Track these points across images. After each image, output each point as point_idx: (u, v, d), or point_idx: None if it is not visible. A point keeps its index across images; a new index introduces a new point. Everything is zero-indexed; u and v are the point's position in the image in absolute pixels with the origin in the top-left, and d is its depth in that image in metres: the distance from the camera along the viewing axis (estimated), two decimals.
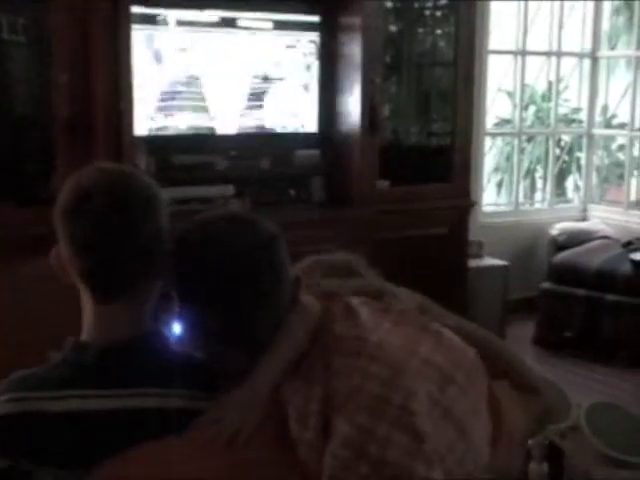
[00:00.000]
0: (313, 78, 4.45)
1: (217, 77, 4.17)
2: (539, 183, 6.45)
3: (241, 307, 1.36)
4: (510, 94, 6.11)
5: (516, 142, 6.13)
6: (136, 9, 3.81)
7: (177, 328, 1.44)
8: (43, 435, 1.31)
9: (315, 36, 4.41)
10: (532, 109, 6.38)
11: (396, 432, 1.26)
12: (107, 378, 1.35)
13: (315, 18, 4.40)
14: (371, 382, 1.30)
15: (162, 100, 4.03)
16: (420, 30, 4.98)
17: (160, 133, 4.05)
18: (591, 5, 6.13)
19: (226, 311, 1.35)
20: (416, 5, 4.90)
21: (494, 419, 1.42)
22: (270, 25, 4.29)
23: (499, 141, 6.38)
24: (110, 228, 1.35)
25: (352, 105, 4.39)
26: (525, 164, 6.34)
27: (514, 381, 1.50)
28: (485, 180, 5.99)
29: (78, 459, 1.28)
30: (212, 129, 4.22)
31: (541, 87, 6.35)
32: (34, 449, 1.30)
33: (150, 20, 3.93)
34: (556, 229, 5.79)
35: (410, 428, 1.27)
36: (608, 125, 6.36)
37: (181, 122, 4.11)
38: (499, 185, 6.40)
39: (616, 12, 6.29)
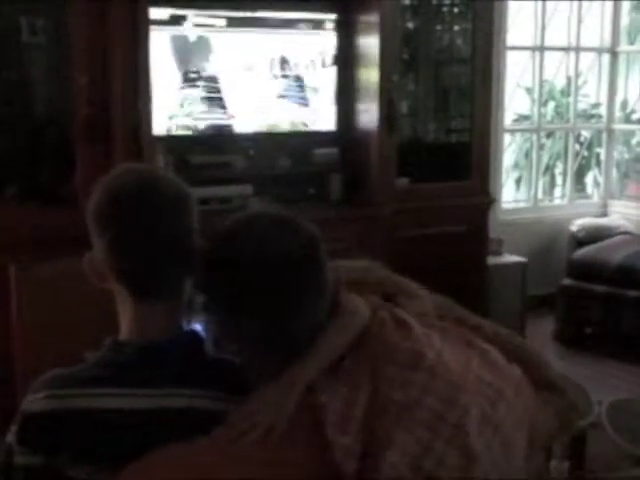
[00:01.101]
0: (331, 76, 4.45)
1: (235, 76, 4.18)
2: (558, 179, 6.42)
3: (279, 311, 1.33)
4: (529, 90, 6.09)
5: (535, 138, 6.11)
6: (154, 10, 3.82)
7: (207, 330, 1.44)
8: (77, 432, 1.32)
9: (332, 34, 4.41)
10: (551, 105, 6.36)
11: (451, 450, 1.27)
12: (143, 377, 1.36)
13: (332, 16, 4.40)
14: (430, 397, 1.30)
15: (180, 100, 4.04)
16: (438, 27, 4.97)
17: (178, 133, 4.07)
18: (610, 0, 6.10)
19: (263, 315, 1.33)
20: (433, 2, 4.88)
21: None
22: (287, 23, 4.29)
23: (518, 137, 6.35)
24: (145, 227, 1.36)
25: (370, 103, 4.39)
26: (544, 160, 6.31)
27: (536, 380, 1.50)
28: (504, 177, 5.97)
29: (110, 457, 1.29)
30: (230, 128, 4.23)
31: (560, 83, 6.32)
32: (68, 446, 1.31)
33: (168, 20, 3.94)
34: (576, 225, 5.76)
35: (464, 448, 1.27)
36: (628, 120, 6.32)
37: (199, 122, 4.12)
38: (518, 182, 6.38)
39: (635, 7, 6.25)
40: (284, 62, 4.31)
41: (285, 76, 4.32)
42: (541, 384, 1.51)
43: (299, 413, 1.30)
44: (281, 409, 1.30)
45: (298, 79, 4.36)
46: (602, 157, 6.35)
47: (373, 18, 4.33)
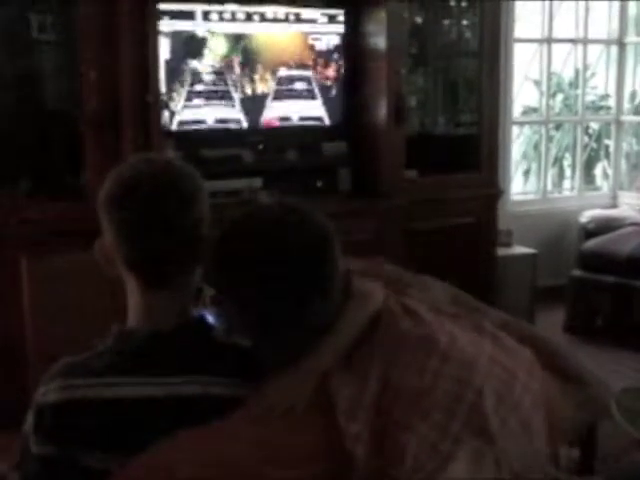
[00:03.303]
0: (339, 70, 4.46)
1: (243, 70, 4.19)
2: (567, 171, 6.41)
3: (291, 301, 1.33)
4: (537, 82, 6.08)
5: (544, 130, 6.10)
6: (163, 4, 3.84)
7: (218, 317, 1.44)
8: (91, 422, 1.33)
9: (340, 28, 4.42)
10: (559, 97, 6.35)
11: (468, 432, 1.28)
12: (152, 365, 1.36)
13: (340, 10, 4.41)
14: (444, 381, 1.31)
15: (189, 94, 4.05)
16: (445, 21, 4.97)
17: (187, 127, 4.08)
18: None
19: (275, 305, 1.33)
20: None
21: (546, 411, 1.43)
22: (295, 17, 4.30)
23: (526, 130, 6.34)
24: (156, 215, 1.37)
25: (378, 96, 4.39)
26: (553, 152, 6.31)
27: (557, 371, 1.51)
28: (513, 169, 5.97)
29: (125, 445, 1.30)
30: (239, 122, 4.24)
31: (568, 75, 6.31)
32: (81, 436, 1.32)
33: (177, 14, 3.96)
34: (585, 217, 5.75)
35: (481, 429, 1.29)
36: (637, 112, 6.30)
37: (208, 115, 4.13)
38: (526, 174, 6.37)
39: None
40: (293, 56, 4.32)
41: (293, 70, 4.33)
42: (557, 372, 1.51)
43: (315, 397, 1.32)
44: (299, 392, 1.31)
45: (307, 73, 4.37)
46: (611, 149, 6.34)
47: (381, 12, 4.33)
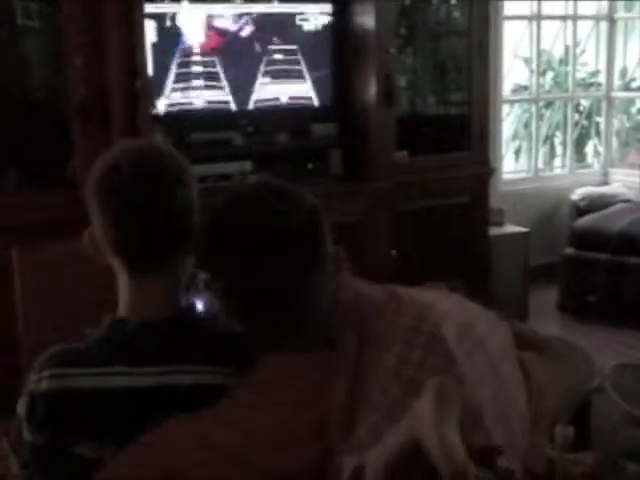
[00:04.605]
0: (327, 50, 4.43)
1: (231, 53, 4.17)
2: (558, 149, 6.41)
3: (282, 282, 1.32)
4: (527, 60, 6.07)
5: (534, 108, 6.09)
6: None
7: (210, 304, 1.43)
8: (83, 411, 1.33)
9: (328, 7, 4.39)
10: (550, 74, 6.33)
11: (429, 356, 1.27)
12: (144, 355, 1.36)
13: None
14: (402, 318, 1.31)
15: (177, 78, 4.03)
16: (434, 0, 4.95)
17: (176, 111, 4.06)
18: None
19: (265, 286, 1.32)
20: None
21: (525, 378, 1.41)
22: None
23: (516, 108, 6.33)
24: (140, 198, 1.37)
25: (367, 76, 4.37)
26: (544, 130, 6.30)
27: (525, 341, 1.50)
28: (504, 148, 5.96)
29: (114, 435, 1.30)
30: (228, 105, 4.22)
31: (558, 52, 6.30)
32: (74, 425, 1.32)
33: None
34: (577, 194, 5.76)
35: (441, 351, 1.27)
36: (627, 88, 6.30)
37: (197, 99, 4.11)
38: (517, 152, 6.37)
39: None
40: (281, 37, 4.29)
41: (282, 51, 4.30)
42: (532, 346, 1.50)
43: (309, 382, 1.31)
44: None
45: (295, 54, 4.34)
46: (602, 126, 6.34)
47: None
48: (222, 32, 4.14)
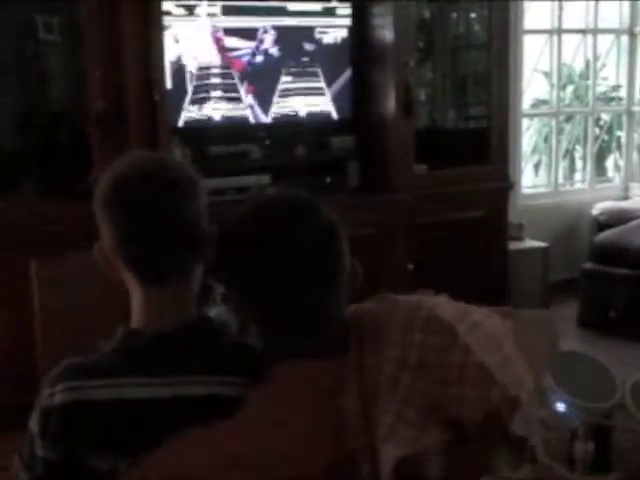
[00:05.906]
0: (347, 64, 4.43)
1: (250, 65, 4.18)
2: (579, 163, 6.37)
3: (297, 295, 1.32)
4: (547, 74, 6.04)
5: (554, 122, 6.06)
6: (167, 2, 3.83)
7: (225, 315, 1.43)
8: (97, 423, 1.32)
9: (348, 21, 4.40)
10: (570, 88, 6.31)
11: (429, 335, 1.28)
12: (159, 366, 1.35)
13: (347, 4, 4.39)
14: (397, 313, 1.33)
15: (196, 91, 4.04)
16: (454, 14, 4.95)
17: (195, 124, 4.07)
18: None
19: (281, 299, 1.32)
20: None
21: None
22: (302, 11, 4.28)
23: (536, 122, 6.31)
24: (151, 213, 1.35)
25: (387, 89, 4.37)
26: (564, 144, 6.27)
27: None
28: (523, 162, 5.94)
29: (129, 446, 1.29)
30: (246, 118, 4.22)
31: (578, 66, 6.27)
32: (88, 437, 1.32)
33: (181, 11, 3.94)
34: (597, 209, 5.72)
35: (441, 328, 1.29)
36: None
37: (215, 112, 4.12)
38: (537, 167, 6.34)
39: None
40: (299, 50, 4.30)
41: (300, 64, 4.31)
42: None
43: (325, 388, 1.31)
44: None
45: (313, 67, 4.35)
46: (623, 140, 6.29)
47: (388, 5, 4.31)
48: (241, 45, 4.15)
